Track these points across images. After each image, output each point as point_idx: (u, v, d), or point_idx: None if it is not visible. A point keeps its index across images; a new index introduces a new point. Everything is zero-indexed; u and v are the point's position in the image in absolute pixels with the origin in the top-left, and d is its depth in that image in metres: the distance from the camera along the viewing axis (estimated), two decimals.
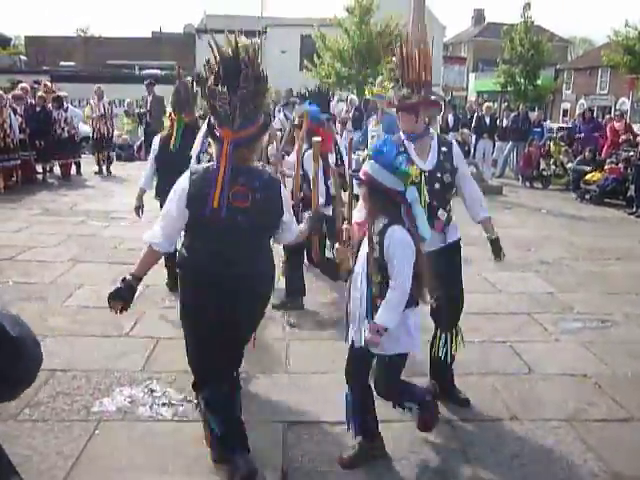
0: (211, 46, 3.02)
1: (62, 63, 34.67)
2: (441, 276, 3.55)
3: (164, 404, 4.14)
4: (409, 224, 3.20)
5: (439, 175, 3.94)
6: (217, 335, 3.16)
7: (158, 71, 31.32)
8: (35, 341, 1.45)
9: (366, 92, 14.10)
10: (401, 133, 4.02)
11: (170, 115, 6.08)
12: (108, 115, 15.22)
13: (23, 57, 39.64)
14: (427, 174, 3.87)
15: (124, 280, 3.11)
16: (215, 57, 3.04)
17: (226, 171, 3.04)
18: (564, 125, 23.62)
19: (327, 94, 8.93)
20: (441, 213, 3.94)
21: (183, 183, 3.13)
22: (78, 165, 14.74)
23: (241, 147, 3.08)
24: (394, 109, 4.27)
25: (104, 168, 14.96)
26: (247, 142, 3.11)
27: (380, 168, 3.16)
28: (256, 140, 3.20)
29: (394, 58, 4.12)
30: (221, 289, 3.10)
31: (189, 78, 6.34)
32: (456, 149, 4.09)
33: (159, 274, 6.80)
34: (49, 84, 16.04)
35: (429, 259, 3.34)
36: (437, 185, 3.92)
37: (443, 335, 4.20)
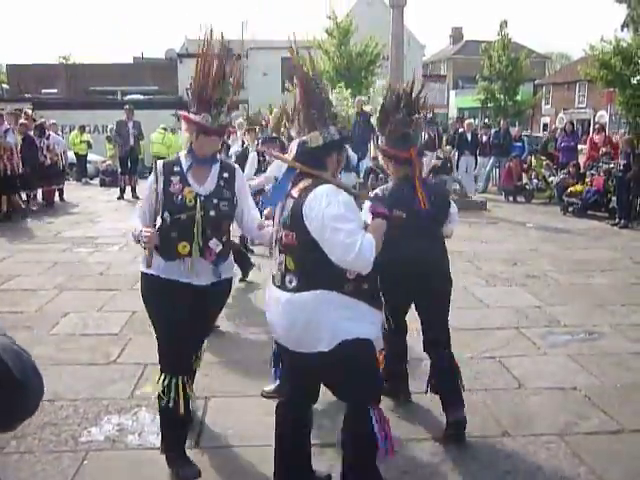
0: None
1: (44, 90, 34.66)
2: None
3: (153, 432, 4.09)
4: None
5: (215, 202, 3.55)
6: None
7: (140, 96, 31.45)
8: (36, 372, 1.43)
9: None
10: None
11: None
12: (8, 147, 11.94)
13: (5, 85, 39.66)
14: (203, 199, 3.51)
15: None
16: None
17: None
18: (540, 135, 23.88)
19: None
20: (214, 243, 3.55)
21: None
22: (61, 192, 14.70)
23: None
24: None
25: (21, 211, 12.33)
26: None
27: None
28: None
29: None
30: None
31: None
32: (239, 176, 3.74)
33: None
34: (29, 112, 16.00)
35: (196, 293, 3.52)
36: (212, 212, 3.54)
37: None
